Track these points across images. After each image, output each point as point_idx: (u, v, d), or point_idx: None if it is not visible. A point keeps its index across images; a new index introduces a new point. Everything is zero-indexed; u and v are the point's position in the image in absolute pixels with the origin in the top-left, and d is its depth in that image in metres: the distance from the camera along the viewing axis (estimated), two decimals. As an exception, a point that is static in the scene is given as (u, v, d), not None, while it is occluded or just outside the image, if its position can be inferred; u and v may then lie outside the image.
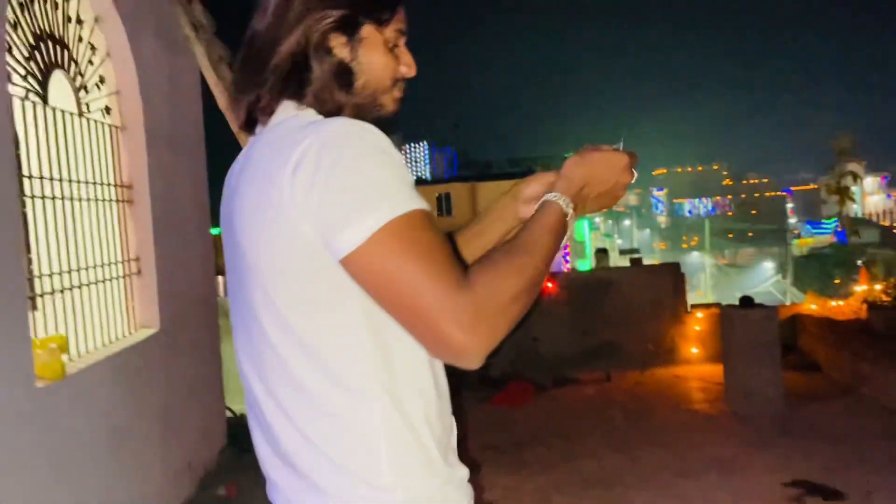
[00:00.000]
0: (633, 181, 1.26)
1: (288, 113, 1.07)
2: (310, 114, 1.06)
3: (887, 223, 73.21)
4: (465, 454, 1.18)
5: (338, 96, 1.08)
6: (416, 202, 0.95)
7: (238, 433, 5.23)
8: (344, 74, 1.08)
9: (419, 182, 40.71)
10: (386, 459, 1.01)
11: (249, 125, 1.13)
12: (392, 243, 0.92)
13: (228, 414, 5.31)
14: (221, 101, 3.98)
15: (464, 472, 1.13)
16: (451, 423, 1.14)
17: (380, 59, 1.12)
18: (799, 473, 4.01)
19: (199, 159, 4.89)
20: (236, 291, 1.10)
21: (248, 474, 4.62)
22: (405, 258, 0.92)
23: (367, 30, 1.10)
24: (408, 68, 1.16)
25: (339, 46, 1.08)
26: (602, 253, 15.40)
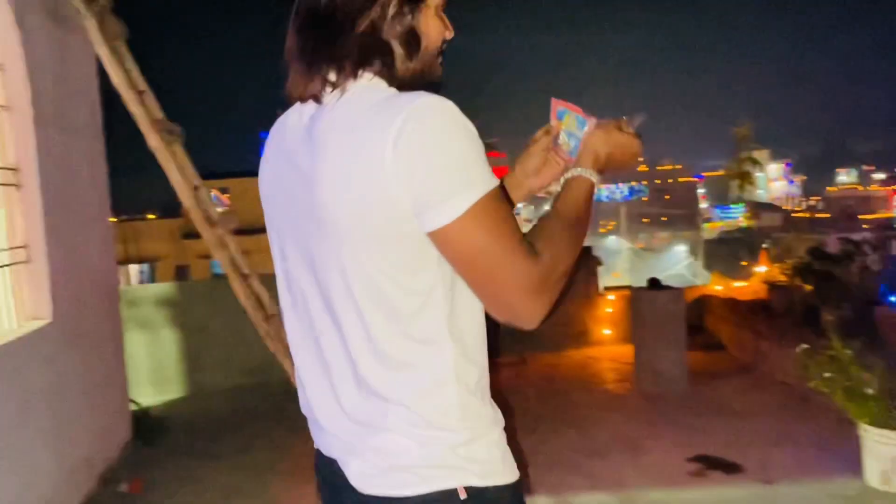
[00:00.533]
0: (636, 164, 1.41)
1: (361, 83, 1.11)
2: (383, 85, 1.11)
3: (789, 207, 77.11)
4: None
5: (406, 63, 1.13)
6: (495, 179, 1.04)
7: (143, 427, 5.04)
8: (414, 41, 1.14)
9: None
10: (456, 403, 1.11)
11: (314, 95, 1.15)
12: (480, 219, 1.02)
13: (133, 407, 5.11)
14: (115, 77, 3.78)
15: (500, 414, 1.21)
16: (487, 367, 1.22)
17: (435, 23, 1.18)
18: (702, 449, 4.16)
19: (97, 141, 4.64)
20: (301, 249, 1.16)
21: (154, 469, 4.46)
22: (490, 233, 1.02)
23: None
24: (450, 31, 1.22)
25: (408, 14, 1.13)
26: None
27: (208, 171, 36.13)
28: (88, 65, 4.50)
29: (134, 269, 28.72)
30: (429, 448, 1.11)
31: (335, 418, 1.18)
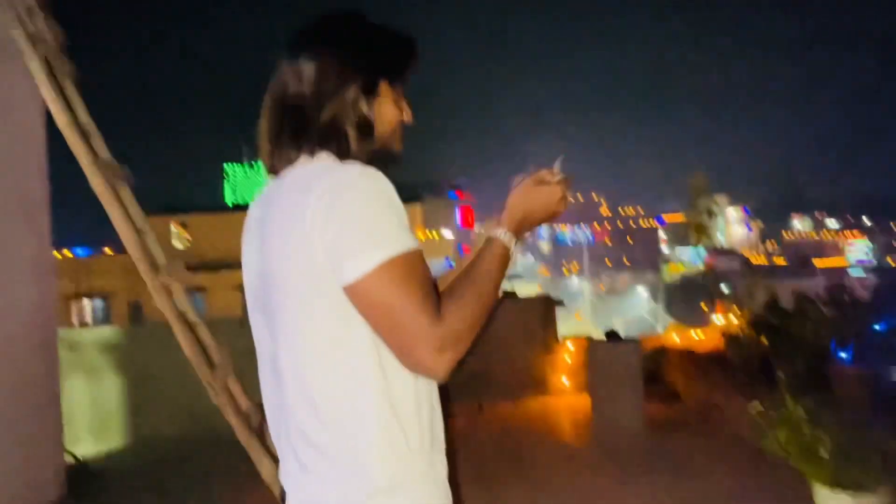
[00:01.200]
0: (565, 209, 1.43)
1: (308, 157, 1.26)
2: (325, 158, 1.24)
3: (748, 253, 78.66)
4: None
5: (358, 145, 1.27)
6: (411, 242, 1.15)
7: (79, 481, 4.79)
8: (366, 127, 1.28)
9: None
10: (380, 452, 1.18)
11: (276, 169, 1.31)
12: (388, 278, 1.11)
13: (69, 460, 4.85)
14: (60, 118, 3.65)
15: (440, 470, 1.28)
16: (432, 424, 1.28)
17: (389, 109, 1.32)
18: (656, 507, 4.08)
19: (38, 179, 4.49)
20: (263, 309, 1.29)
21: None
22: (397, 292, 1.11)
23: (383, 86, 1.31)
24: (408, 116, 1.36)
25: (362, 104, 1.28)
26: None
27: (169, 206, 35.79)
28: (34, 104, 4.37)
29: (87, 304, 28.04)
30: (346, 494, 1.18)
31: (283, 458, 1.30)
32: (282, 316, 1.22)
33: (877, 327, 4.44)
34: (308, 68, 1.27)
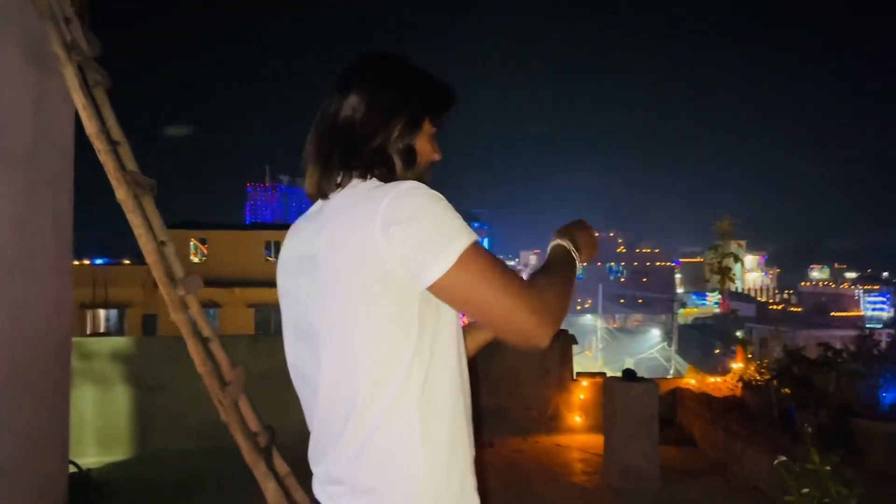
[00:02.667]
0: (597, 254, 1.61)
1: (358, 181, 1.34)
2: (374, 182, 1.32)
3: (763, 299, 77.85)
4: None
5: (403, 173, 1.35)
6: (474, 234, 1.22)
7: (82, 490, 4.73)
8: (410, 156, 1.38)
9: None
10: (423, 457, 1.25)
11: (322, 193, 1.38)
12: (471, 264, 1.18)
13: (72, 469, 4.79)
14: (89, 127, 3.66)
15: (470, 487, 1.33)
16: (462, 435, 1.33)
17: (426, 145, 1.43)
18: (670, 557, 3.94)
19: (64, 188, 4.49)
20: (308, 317, 1.34)
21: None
22: (484, 273, 1.19)
23: (426, 124, 1.41)
24: (438, 154, 1.46)
25: (407, 136, 1.37)
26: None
27: (189, 221, 36.07)
28: (66, 111, 4.39)
29: (102, 314, 28.14)
30: None
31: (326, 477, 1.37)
32: (332, 341, 1.28)
33: (905, 383, 4.32)
34: (361, 100, 1.36)
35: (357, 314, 1.23)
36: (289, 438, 6.09)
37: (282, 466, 4.54)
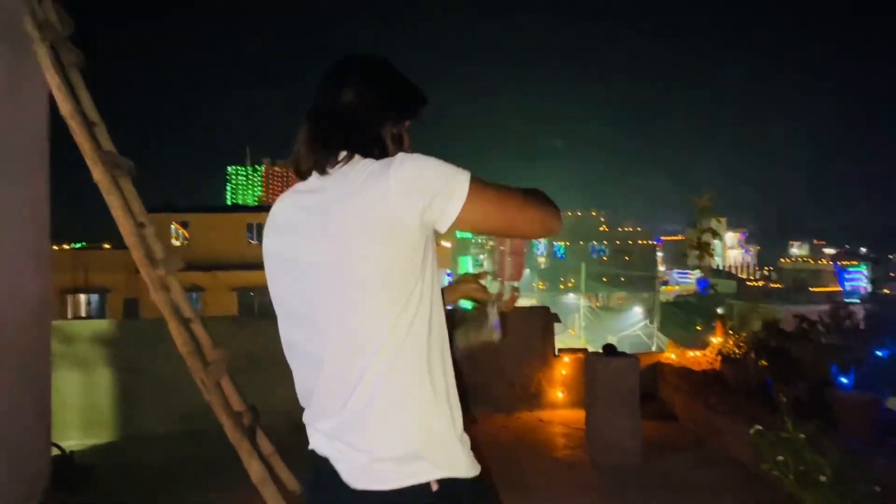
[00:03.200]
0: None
1: (358, 158, 1.51)
2: (371, 160, 1.48)
3: (744, 275, 78.55)
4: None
5: (392, 155, 1.48)
6: (468, 171, 1.43)
7: (65, 473, 4.72)
8: (399, 141, 1.61)
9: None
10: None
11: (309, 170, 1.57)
12: (481, 189, 1.43)
13: (55, 452, 4.78)
14: (64, 107, 3.61)
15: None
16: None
17: (406, 135, 1.64)
18: (650, 527, 4.02)
19: (40, 171, 4.44)
20: (318, 274, 1.46)
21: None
22: (494, 189, 1.46)
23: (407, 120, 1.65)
24: (407, 145, 1.65)
25: (399, 125, 1.61)
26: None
27: (169, 204, 35.73)
28: (40, 92, 4.33)
29: (83, 299, 27.91)
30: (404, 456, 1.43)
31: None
32: (338, 282, 1.42)
33: (879, 353, 4.40)
34: (361, 93, 1.57)
35: (372, 267, 1.38)
36: (273, 419, 6.11)
37: (266, 446, 4.56)
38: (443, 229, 1.42)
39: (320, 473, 1.48)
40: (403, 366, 1.40)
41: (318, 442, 1.51)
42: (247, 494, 4.07)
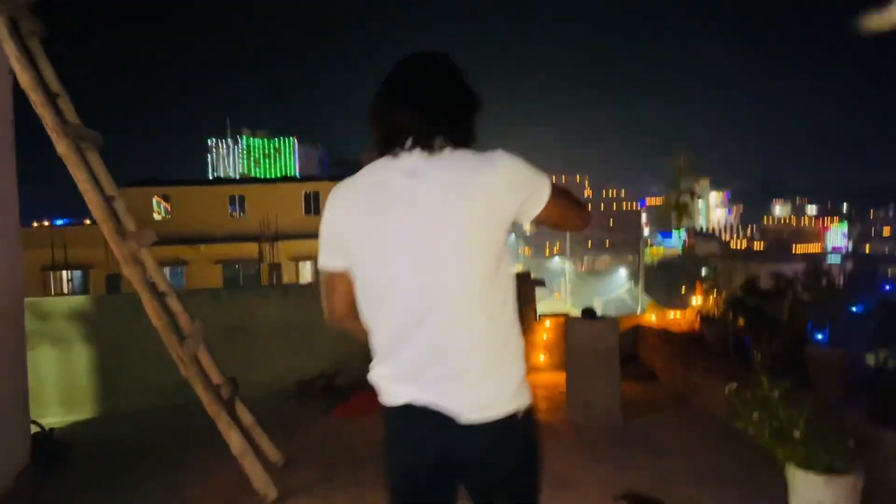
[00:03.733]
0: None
1: (452, 147, 1.74)
2: (467, 151, 1.74)
3: (727, 236, 79.18)
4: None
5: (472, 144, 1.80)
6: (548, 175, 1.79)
7: (44, 452, 4.70)
8: (476, 135, 1.83)
9: (286, 178, 39.50)
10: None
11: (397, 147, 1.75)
12: (556, 191, 1.76)
13: (34, 429, 4.76)
14: (23, 78, 3.52)
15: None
16: None
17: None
18: (629, 485, 4.06)
19: (3, 145, 4.34)
20: (415, 255, 1.69)
21: (55, 496, 4.14)
22: (560, 192, 1.78)
23: None
24: None
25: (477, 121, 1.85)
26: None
27: (150, 178, 35.26)
28: (1, 66, 4.22)
29: (65, 275, 27.65)
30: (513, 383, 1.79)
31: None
32: (459, 259, 1.67)
33: (853, 310, 4.44)
34: (461, 84, 1.82)
35: (485, 239, 1.67)
36: (255, 390, 6.12)
37: (246, 417, 4.56)
38: (525, 223, 1.77)
39: (424, 418, 1.71)
40: (500, 318, 1.73)
41: (414, 394, 1.72)
42: (229, 466, 4.08)
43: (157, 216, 32.80)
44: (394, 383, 1.76)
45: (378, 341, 1.78)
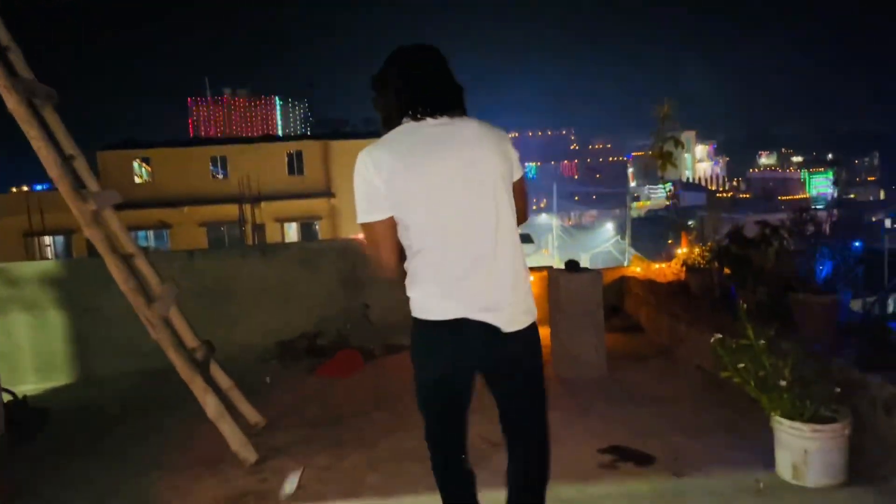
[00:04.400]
0: None
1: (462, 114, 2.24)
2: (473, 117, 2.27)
3: (713, 187, 79.31)
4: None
5: None
6: None
7: (19, 419, 4.60)
8: None
9: (268, 138, 38.85)
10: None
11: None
12: (524, 179, 2.35)
13: (6, 397, 4.64)
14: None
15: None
16: None
17: None
18: (615, 439, 4.01)
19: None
20: (468, 190, 2.14)
21: (26, 469, 4.04)
22: (524, 184, 2.34)
23: None
24: None
25: None
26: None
27: (130, 140, 34.63)
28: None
29: (47, 240, 27.30)
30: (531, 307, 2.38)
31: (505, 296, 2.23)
32: (496, 193, 2.15)
33: (842, 257, 4.36)
34: (449, 73, 2.26)
35: (509, 179, 2.22)
36: (235, 351, 6.02)
37: (224, 380, 4.46)
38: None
39: (473, 329, 2.14)
40: (518, 246, 2.20)
41: (464, 310, 2.12)
42: (208, 430, 3.99)
43: (138, 179, 32.31)
44: (444, 300, 2.12)
45: (427, 264, 2.13)
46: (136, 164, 32.40)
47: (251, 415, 4.47)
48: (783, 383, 3.24)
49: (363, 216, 2.13)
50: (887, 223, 47.56)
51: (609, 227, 62.18)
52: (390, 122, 2.19)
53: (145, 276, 4.16)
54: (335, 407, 4.90)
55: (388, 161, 2.08)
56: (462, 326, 2.11)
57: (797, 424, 3.26)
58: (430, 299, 2.13)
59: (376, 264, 2.21)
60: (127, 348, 5.85)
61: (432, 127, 2.13)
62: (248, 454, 3.87)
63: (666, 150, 5.62)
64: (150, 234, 31.09)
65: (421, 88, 2.16)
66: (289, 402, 5.04)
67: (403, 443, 4.18)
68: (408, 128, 2.14)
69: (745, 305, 3.53)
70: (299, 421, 4.60)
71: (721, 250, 4.99)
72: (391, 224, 2.13)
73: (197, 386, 3.79)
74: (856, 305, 4.96)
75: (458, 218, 2.10)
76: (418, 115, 2.13)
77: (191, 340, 4.32)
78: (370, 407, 4.87)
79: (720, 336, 3.54)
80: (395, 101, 2.17)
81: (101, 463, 4.11)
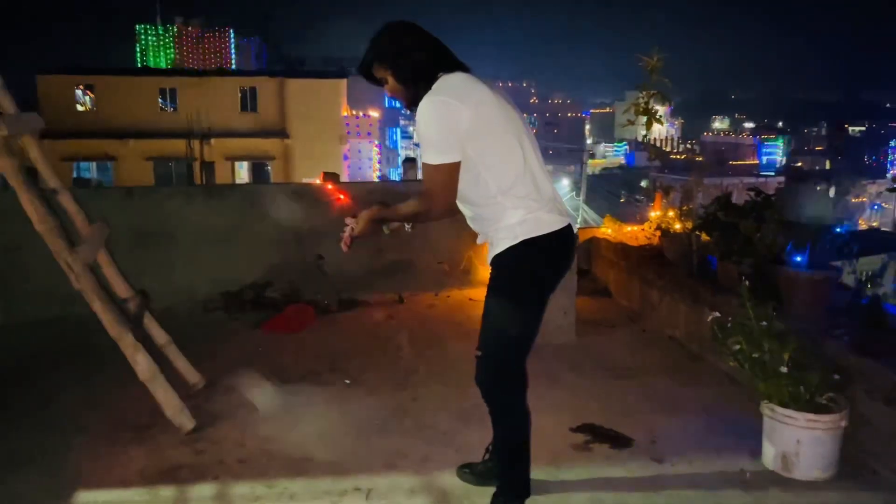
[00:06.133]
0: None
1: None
2: None
3: (668, 149, 79.84)
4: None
5: None
6: None
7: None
8: None
9: (221, 72, 37.25)
10: None
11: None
12: None
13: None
14: None
15: None
16: None
17: None
18: (588, 416, 3.72)
19: None
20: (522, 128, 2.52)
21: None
22: None
23: None
24: None
25: None
26: (411, 163, 14.73)
27: (73, 65, 32.86)
28: None
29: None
30: None
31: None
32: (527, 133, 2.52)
33: (837, 230, 4.09)
34: None
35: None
36: (174, 301, 5.52)
37: (160, 335, 4.00)
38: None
39: (572, 237, 2.57)
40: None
41: (562, 221, 2.49)
42: (137, 389, 3.55)
43: (80, 107, 30.76)
44: (549, 214, 2.45)
45: (519, 191, 2.41)
46: (78, 92, 30.77)
47: (190, 374, 4.04)
48: (784, 370, 2.96)
49: (441, 157, 2.31)
50: (831, 192, 48.59)
51: (564, 182, 62.19)
52: (426, 78, 2.39)
53: (71, 214, 3.65)
54: (282, 367, 4.50)
55: (472, 93, 2.34)
56: (570, 231, 2.51)
57: (791, 412, 3.00)
58: (537, 213, 2.42)
59: (437, 205, 2.38)
60: (53, 291, 5.27)
61: (469, 76, 2.47)
62: (185, 421, 3.46)
63: (651, 107, 5.23)
64: (94, 165, 29.77)
65: (442, 49, 2.48)
66: (233, 359, 4.61)
67: (359, 412, 3.82)
68: (454, 75, 2.42)
69: (747, 283, 3.22)
70: (243, 382, 4.17)
71: (707, 217, 4.69)
72: (459, 168, 2.35)
73: (127, 344, 3.34)
74: (846, 280, 4.77)
75: (530, 144, 2.49)
76: (450, 70, 2.44)
77: (122, 290, 3.84)
78: (323, 368, 4.49)
79: (718, 315, 3.24)
80: (426, 61, 2.41)
81: (11, 425, 3.64)
